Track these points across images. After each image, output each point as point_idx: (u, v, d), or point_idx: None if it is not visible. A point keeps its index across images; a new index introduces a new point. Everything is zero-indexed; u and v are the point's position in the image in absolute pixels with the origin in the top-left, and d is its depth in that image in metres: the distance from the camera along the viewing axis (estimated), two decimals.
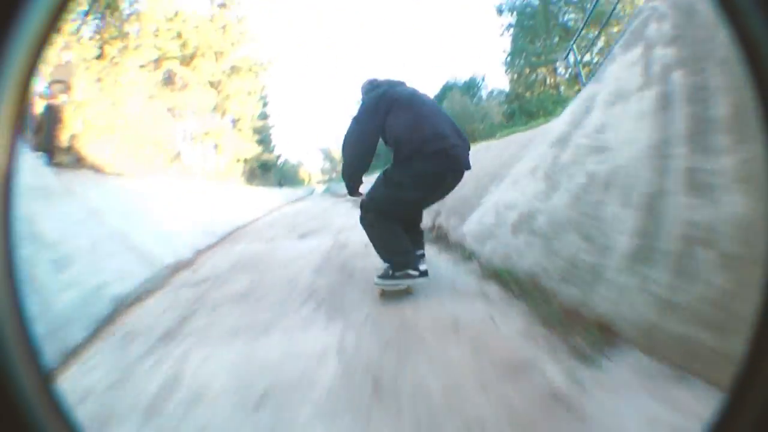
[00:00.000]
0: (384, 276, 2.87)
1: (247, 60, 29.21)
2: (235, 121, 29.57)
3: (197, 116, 23.83)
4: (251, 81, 29.56)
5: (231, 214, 10.05)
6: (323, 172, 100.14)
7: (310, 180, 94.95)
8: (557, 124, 3.36)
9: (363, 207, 2.99)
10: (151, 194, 7.12)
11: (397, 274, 2.83)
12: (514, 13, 38.55)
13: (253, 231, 8.06)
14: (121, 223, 4.62)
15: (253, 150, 30.19)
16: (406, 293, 2.91)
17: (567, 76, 37.90)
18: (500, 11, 39.14)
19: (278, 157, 45.33)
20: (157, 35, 20.47)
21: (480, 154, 6.73)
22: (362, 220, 2.99)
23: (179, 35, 22.99)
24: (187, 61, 24.03)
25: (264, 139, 36.66)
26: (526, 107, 34.23)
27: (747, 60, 0.54)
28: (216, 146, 25.83)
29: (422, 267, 2.93)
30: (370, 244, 3.07)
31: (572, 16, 37.98)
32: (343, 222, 7.27)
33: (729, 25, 0.55)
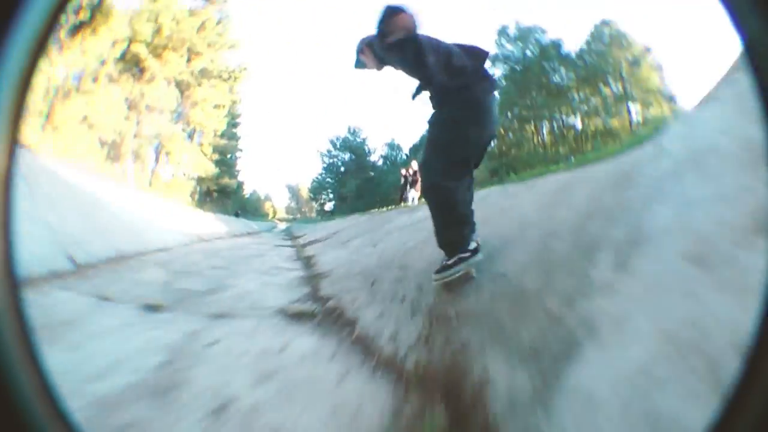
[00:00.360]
0: (440, 270, 2.63)
1: (220, 65, 26.69)
2: (195, 133, 26.65)
3: (156, 116, 21.02)
4: (221, 92, 26.97)
5: (127, 238, 7.20)
6: (288, 210, 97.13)
7: (274, 215, 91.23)
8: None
9: (427, 176, 2.70)
10: (37, 184, 5.28)
11: (450, 262, 2.60)
12: (507, 64, 38.01)
13: (105, 272, 5.00)
14: None
15: (210, 169, 27.00)
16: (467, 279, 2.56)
17: (552, 135, 37.40)
18: (493, 61, 38.39)
19: (240, 184, 42.04)
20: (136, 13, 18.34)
21: (496, 199, 4.58)
22: (427, 192, 2.70)
23: (156, 18, 20.51)
24: (158, 51, 21.45)
25: (227, 161, 33.54)
26: (511, 164, 32.77)
27: (748, 59, 0.54)
28: (168, 154, 22.69)
29: (472, 244, 2.63)
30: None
31: (563, 72, 37.69)
32: (250, 288, 4.16)
33: (731, 23, 0.55)
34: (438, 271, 2.64)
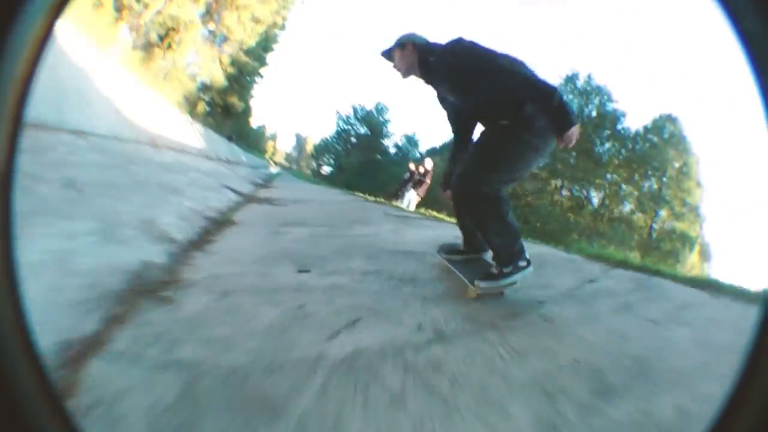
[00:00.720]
0: (490, 276, 2.46)
1: None
2: (223, 39, 23.97)
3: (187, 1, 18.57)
4: (268, 8, 24.48)
5: (45, 104, 5.44)
6: (288, 158, 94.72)
7: (273, 155, 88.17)
8: None
9: (484, 183, 2.48)
10: None
11: (508, 269, 2.46)
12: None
13: None
14: None
15: (219, 79, 24.17)
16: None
17: (571, 200, 36.51)
18: None
19: (248, 109, 39.00)
20: None
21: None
22: (485, 200, 2.47)
23: None
24: None
25: (243, 82, 30.62)
26: (524, 211, 30.85)
27: (749, 58, 0.53)
28: (179, 43, 20.00)
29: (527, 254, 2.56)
30: None
31: (608, 146, 36.28)
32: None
33: (728, 22, 0.55)
34: (485, 278, 2.46)
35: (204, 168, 10.10)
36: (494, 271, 2.46)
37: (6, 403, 0.50)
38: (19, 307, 0.53)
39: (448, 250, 3.08)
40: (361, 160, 46.83)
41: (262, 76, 34.85)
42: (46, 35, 0.55)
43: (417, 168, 13.22)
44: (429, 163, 13.08)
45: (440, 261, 3.07)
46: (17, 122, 0.53)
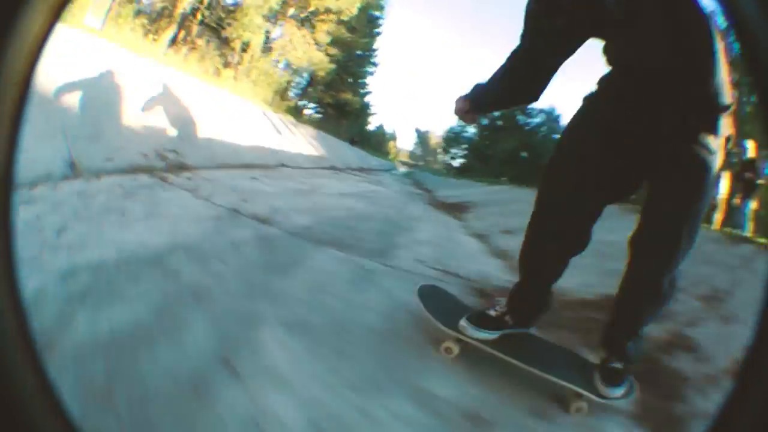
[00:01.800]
0: (615, 375, 1.80)
1: None
2: (314, 14, 18.12)
3: None
4: None
5: None
6: (412, 156, 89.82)
7: (396, 156, 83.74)
8: None
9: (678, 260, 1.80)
10: None
11: (622, 365, 1.90)
12: None
13: None
14: None
15: (320, 62, 18.21)
16: None
17: None
18: None
19: (366, 105, 33.05)
20: None
21: None
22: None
23: None
24: None
25: (353, 69, 24.71)
26: None
27: (747, 57, 0.53)
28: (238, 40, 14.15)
29: None
30: None
31: None
32: None
33: (730, 21, 0.54)
34: (611, 381, 1.78)
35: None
36: (617, 365, 1.79)
37: (6, 403, 0.48)
38: (20, 307, 0.51)
39: (474, 317, 1.90)
40: (514, 146, 37.63)
41: (375, 64, 28.61)
42: (46, 35, 0.54)
43: (745, 166, 7.95)
44: (751, 147, 7.76)
45: (440, 329, 1.95)
46: (17, 122, 0.52)
